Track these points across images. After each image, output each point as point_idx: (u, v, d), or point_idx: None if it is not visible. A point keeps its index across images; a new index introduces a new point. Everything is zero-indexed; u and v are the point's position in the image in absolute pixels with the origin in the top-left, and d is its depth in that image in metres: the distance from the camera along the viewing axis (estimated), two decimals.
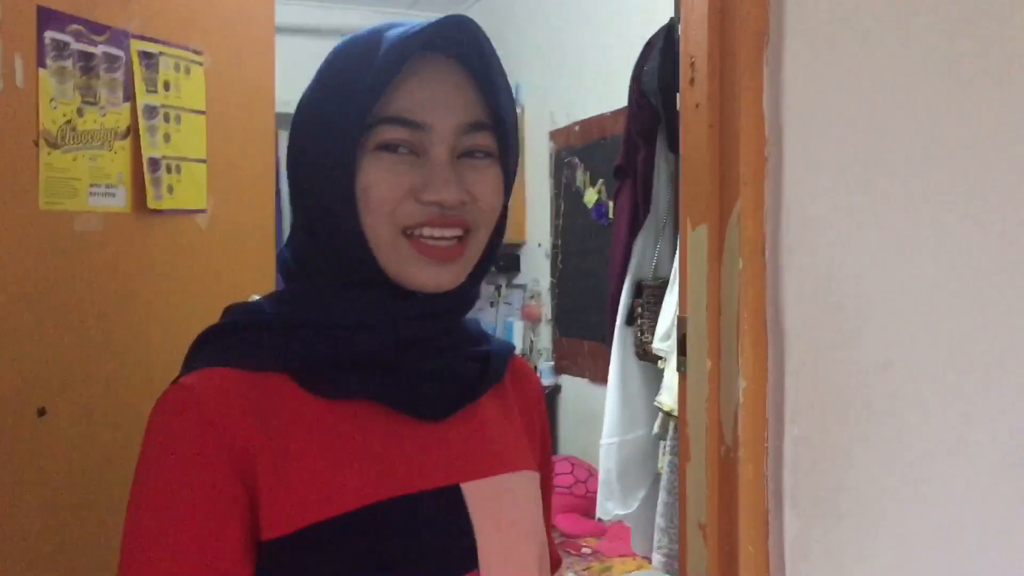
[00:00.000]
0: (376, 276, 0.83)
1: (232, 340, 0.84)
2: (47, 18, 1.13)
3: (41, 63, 1.13)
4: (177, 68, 1.37)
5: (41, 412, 1.14)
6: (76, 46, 1.18)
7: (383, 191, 0.81)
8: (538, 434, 0.98)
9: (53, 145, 1.15)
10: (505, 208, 0.89)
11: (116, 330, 1.25)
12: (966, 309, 1.03)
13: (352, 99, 0.81)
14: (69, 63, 1.17)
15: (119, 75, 1.26)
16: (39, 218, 1.13)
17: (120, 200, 1.26)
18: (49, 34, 1.14)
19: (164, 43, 1.34)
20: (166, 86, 1.35)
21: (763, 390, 0.99)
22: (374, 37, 0.84)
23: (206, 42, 1.43)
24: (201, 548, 0.75)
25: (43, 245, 1.14)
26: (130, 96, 1.28)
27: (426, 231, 0.81)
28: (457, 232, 0.83)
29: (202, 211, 1.44)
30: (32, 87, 1.12)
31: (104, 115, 1.23)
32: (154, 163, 1.32)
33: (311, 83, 0.86)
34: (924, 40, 1.02)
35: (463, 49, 0.84)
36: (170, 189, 1.36)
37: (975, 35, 1.04)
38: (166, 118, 1.35)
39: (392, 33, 0.83)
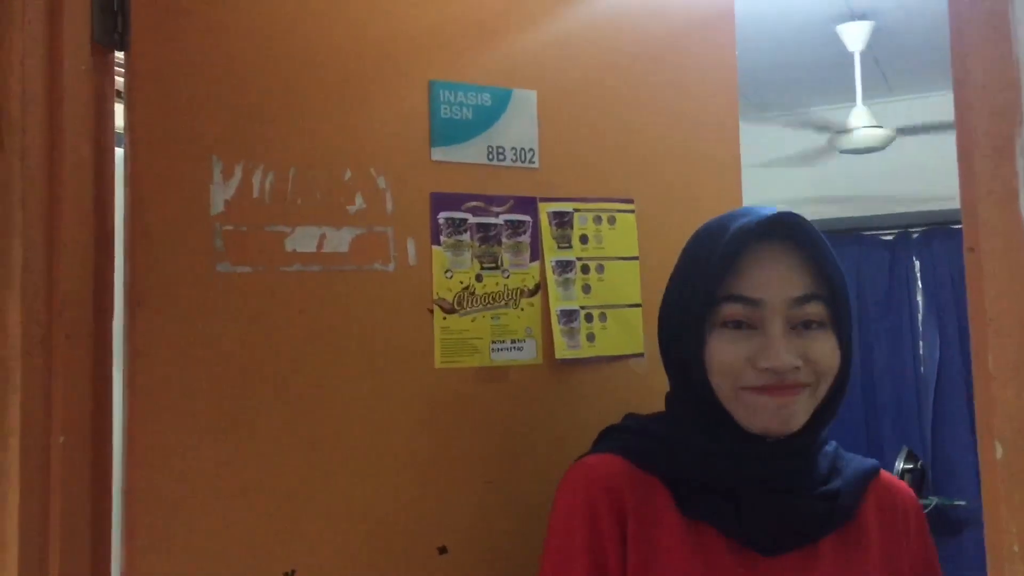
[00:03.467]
0: (725, 421, 1.00)
1: (627, 437, 1.08)
2: (441, 202, 1.32)
3: (435, 241, 1.31)
4: (598, 220, 1.42)
5: (442, 550, 1.27)
6: (474, 220, 1.34)
7: (725, 360, 0.98)
8: (906, 564, 1.02)
9: (449, 311, 1.31)
10: (845, 370, 1.01)
11: (523, 476, 1.33)
12: None
13: (701, 281, 1.01)
14: (466, 236, 1.33)
15: (525, 238, 1.37)
16: (435, 375, 1.29)
17: (528, 353, 1.36)
18: (444, 215, 1.32)
19: (579, 200, 1.41)
20: (583, 239, 1.41)
21: None
22: (723, 224, 1.03)
23: (636, 190, 1.46)
24: None
25: (439, 399, 1.29)
26: (539, 256, 1.38)
27: (766, 392, 0.97)
28: (795, 392, 0.97)
29: (638, 355, 1.44)
30: (426, 263, 1.30)
31: (507, 277, 1.35)
32: (568, 315, 1.38)
33: (679, 259, 1.10)
34: None
35: (794, 233, 0.99)
36: (590, 337, 1.40)
37: None
38: (584, 270, 1.41)
39: (736, 223, 1.01)
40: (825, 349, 0.98)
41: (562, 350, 1.37)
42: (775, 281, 0.97)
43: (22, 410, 1.04)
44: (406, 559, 1.24)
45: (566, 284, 1.39)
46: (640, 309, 1.45)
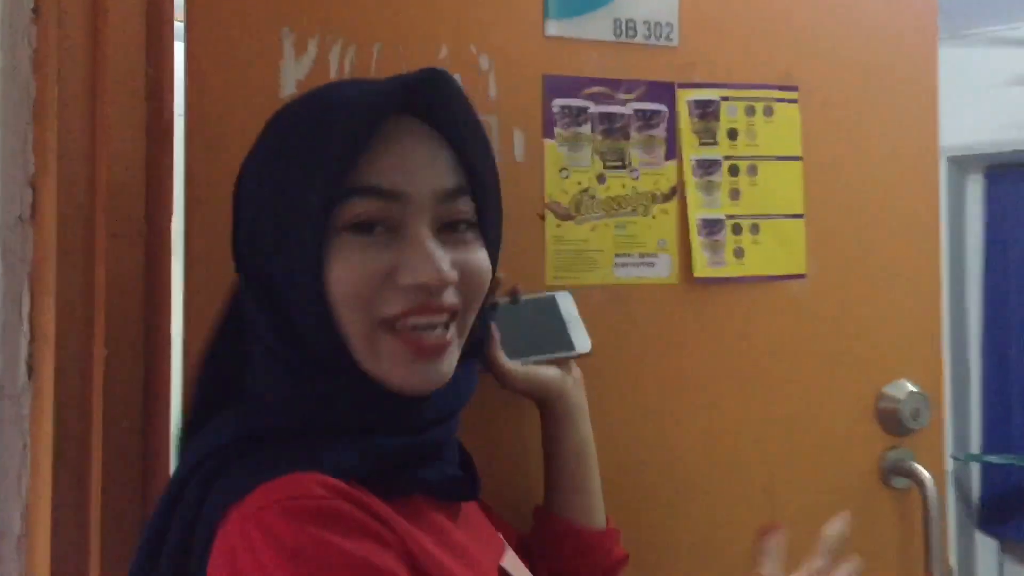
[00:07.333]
0: (362, 378, 0.74)
1: (270, 452, 0.71)
2: (556, 87, 1.10)
3: (548, 134, 1.09)
4: (751, 111, 1.17)
5: None
6: (596, 109, 1.11)
7: (355, 278, 0.72)
8: None
9: (564, 216, 1.10)
10: (492, 289, 0.82)
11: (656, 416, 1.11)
12: None
13: (314, 172, 0.72)
14: (586, 128, 1.11)
15: (659, 132, 1.13)
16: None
17: (661, 270, 1.13)
18: (559, 102, 1.10)
19: (728, 86, 1.16)
20: (731, 134, 1.16)
21: None
22: (339, 95, 0.77)
23: (800, 74, 1.19)
24: None
25: None
26: (675, 153, 1.14)
27: (410, 321, 0.72)
28: (444, 319, 0.74)
29: (799, 276, 1.18)
30: (536, 159, 1.09)
31: (637, 178, 1.12)
32: (711, 225, 1.14)
33: (256, 157, 0.78)
34: None
35: (436, 108, 0.77)
36: (738, 253, 1.15)
37: None
38: (732, 171, 1.16)
39: (355, 93, 0.76)
40: (480, 258, 0.77)
41: (703, 267, 1.14)
42: (418, 168, 0.74)
43: (57, 318, 0.91)
44: None
45: (709, 188, 1.15)
46: (803, 220, 1.19)
